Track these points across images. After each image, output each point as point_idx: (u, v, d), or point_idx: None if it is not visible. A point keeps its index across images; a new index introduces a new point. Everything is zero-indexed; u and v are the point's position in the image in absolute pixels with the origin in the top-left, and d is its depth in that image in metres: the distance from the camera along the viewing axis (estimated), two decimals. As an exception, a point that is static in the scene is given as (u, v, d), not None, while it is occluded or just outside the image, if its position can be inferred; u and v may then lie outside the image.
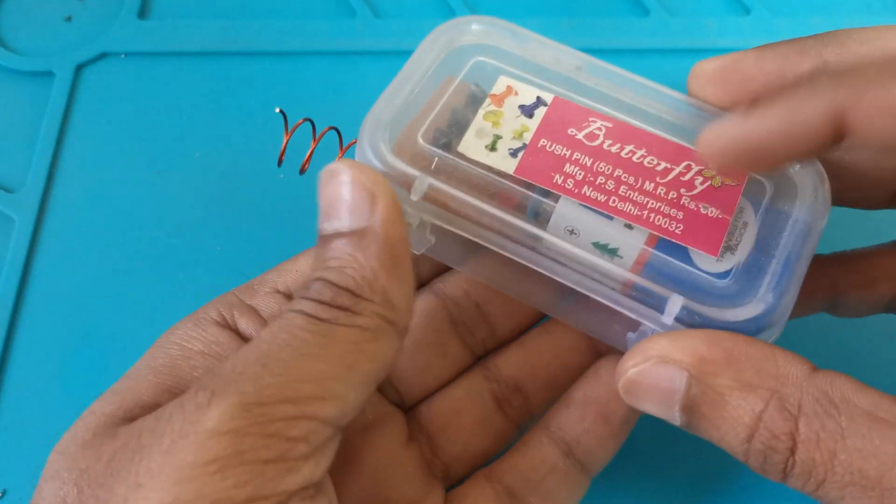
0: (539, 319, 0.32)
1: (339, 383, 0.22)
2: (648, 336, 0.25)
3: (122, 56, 0.43)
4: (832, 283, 0.30)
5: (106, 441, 0.22)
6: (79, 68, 0.42)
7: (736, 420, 0.22)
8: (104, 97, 0.41)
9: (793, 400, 0.22)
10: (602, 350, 0.31)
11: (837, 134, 0.23)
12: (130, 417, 0.23)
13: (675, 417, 0.23)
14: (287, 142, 0.32)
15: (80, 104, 0.41)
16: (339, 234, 0.24)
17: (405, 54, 0.43)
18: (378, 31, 0.44)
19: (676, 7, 0.45)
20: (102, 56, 0.43)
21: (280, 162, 0.33)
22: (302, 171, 0.33)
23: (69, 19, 0.44)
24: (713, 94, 0.29)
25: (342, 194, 0.24)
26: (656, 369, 0.23)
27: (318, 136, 0.32)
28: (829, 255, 0.31)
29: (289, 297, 0.28)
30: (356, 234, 0.24)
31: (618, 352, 0.29)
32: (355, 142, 0.29)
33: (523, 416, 0.31)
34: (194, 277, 0.37)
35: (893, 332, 0.35)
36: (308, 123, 0.32)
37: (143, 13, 0.44)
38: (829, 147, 0.23)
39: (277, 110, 0.33)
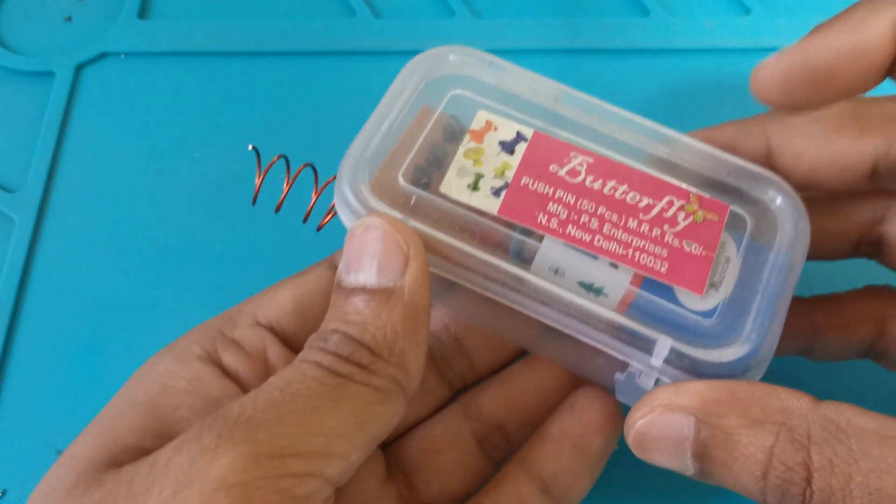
0: (520, 354, 0.31)
1: (346, 441, 0.21)
2: (637, 377, 0.25)
3: (122, 56, 0.43)
4: (811, 324, 0.31)
5: (91, 488, 0.21)
6: (79, 68, 0.42)
7: (749, 458, 0.22)
8: (104, 97, 0.41)
9: (801, 430, 0.21)
10: (581, 383, 0.30)
11: (894, 52, 0.23)
12: (115, 462, 0.22)
13: (687, 466, 0.23)
14: (262, 180, 0.31)
15: (80, 104, 0.41)
16: (363, 290, 0.23)
17: (405, 54, 0.43)
18: (378, 30, 0.44)
19: (676, 7, 0.45)
20: (102, 56, 0.43)
21: (255, 200, 0.32)
22: (277, 210, 0.32)
23: (69, 19, 0.44)
24: None
25: (374, 249, 0.24)
26: (663, 418, 0.23)
27: (293, 174, 0.31)
28: (808, 298, 0.31)
29: (270, 329, 0.28)
30: (383, 293, 0.23)
31: (595, 383, 0.29)
32: (334, 178, 0.28)
33: (504, 454, 0.30)
34: (194, 277, 0.37)
35: (864, 376, 0.35)
36: (283, 160, 0.32)
37: (143, 13, 0.44)
38: (887, 68, 0.24)
39: (251, 147, 0.32)
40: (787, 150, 0.28)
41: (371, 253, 0.24)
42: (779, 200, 0.28)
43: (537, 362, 0.30)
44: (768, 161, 0.29)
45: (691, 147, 0.29)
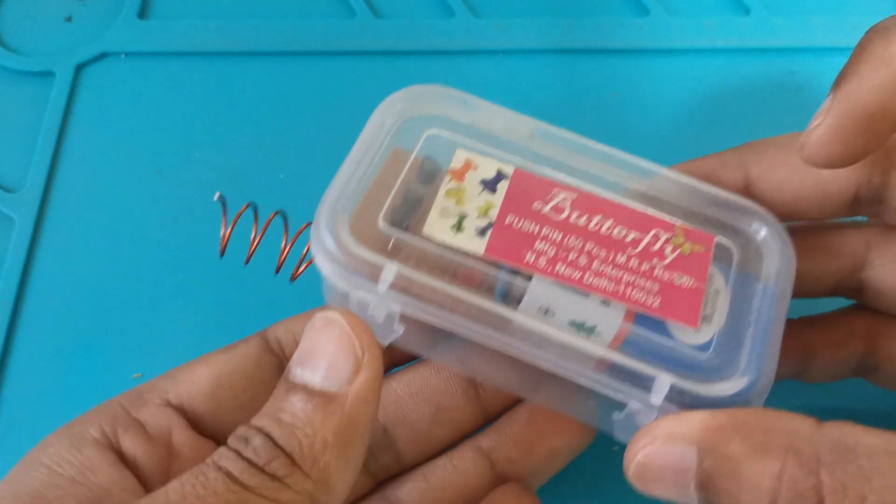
0: (446, 448, 0.30)
1: None
2: (636, 416, 0.25)
3: (122, 56, 0.43)
4: (803, 345, 0.30)
5: None
6: (79, 68, 0.42)
7: (756, 486, 0.21)
8: (104, 97, 0.41)
9: (809, 454, 0.21)
10: (504, 480, 0.29)
11: None
12: None
13: (691, 498, 0.22)
14: (230, 232, 0.30)
15: (80, 104, 0.41)
16: (305, 389, 0.22)
17: (405, 54, 0.44)
18: (378, 30, 0.44)
19: (676, 7, 0.45)
20: (102, 56, 0.43)
21: (222, 252, 0.30)
22: (247, 261, 0.30)
23: (69, 19, 0.44)
24: None
25: (327, 348, 0.22)
26: (665, 448, 0.22)
27: (263, 224, 0.30)
28: (797, 320, 0.31)
29: (181, 410, 0.26)
30: (324, 397, 0.22)
31: (518, 480, 0.29)
32: (308, 225, 0.27)
33: None
34: (194, 278, 0.37)
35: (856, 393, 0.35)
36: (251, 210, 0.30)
37: (143, 13, 0.44)
38: None
39: (216, 197, 0.30)
40: (767, 181, 0.28)
41: (323, 351, 0.22)
42: (763, 231, 0.28)
43: (461, 460, 0.29)
44: (748, 193, 0.29)
45: (672, 180, 0.28)
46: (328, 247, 0.25)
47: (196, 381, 0.27)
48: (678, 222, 0.27)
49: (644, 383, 0.25)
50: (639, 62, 0.43)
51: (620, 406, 0.25)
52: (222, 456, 0.21)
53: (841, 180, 0.27)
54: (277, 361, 0.29)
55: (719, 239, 0.28)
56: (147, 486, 0.25)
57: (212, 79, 0.42)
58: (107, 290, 0.36)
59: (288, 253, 0.30)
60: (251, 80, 0.42)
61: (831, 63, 0.43)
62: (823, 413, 0.22)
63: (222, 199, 0.30)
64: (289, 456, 0.21)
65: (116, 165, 0.39)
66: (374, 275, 0.25)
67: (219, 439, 0.27)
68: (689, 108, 0.42)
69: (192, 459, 0.26)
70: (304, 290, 0.30)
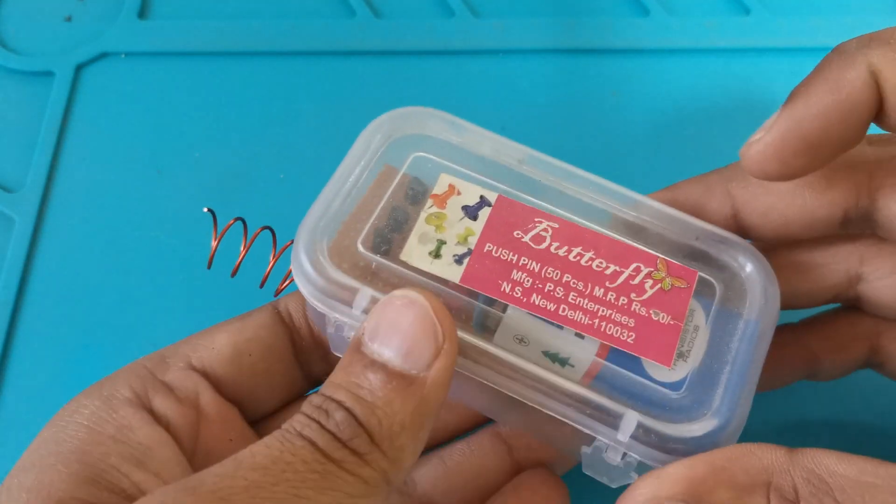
0: (462, 433, 0.30)
1: None
2: (604, 451, 0.25)
3: (122, 56, 0.43)
4: (808, 353, 0.30)
5: None
6: (79, 68, 0.42)
7: None
8: (104, 97, 0.41)
9: (787, 487, 0.21)
10: (523, 466, 0.29)
11: (877, 98, 0.23)
12: None
13: None
14: (217, 244, 0.30)
15: (80, 104, 0.41)
16: (384, 368, 0.22)
17: (405, 54, 0.44)
18: (378, 31, 0.44)
19: (676, 7, 0.45)
20: (102, 56, 0.43)
21: (210, 264, 0.31)
22: (233, 274, 0.31)
23: (69, 19, 0.44)
24: None
25: (408, 328, 0.22)
26: None
27: (250, 238, 0.30)
28: (801, 323, 0.31)
29: (204, 374, 0.27)
30: (404, 379, 0.22)
31: (541, 466, 0.29)
32: (292, 243, 0.27)
33: None
34: (194, 278, 0.37)
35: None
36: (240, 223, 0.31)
37: (142, 13, 0.44)
38: (873, 116, 0.23)
39: (206, 210, 0.31)
40: (753, 208, 0.28)
41: (404, 331, 0.22)
42: (748, 267, 0.28)
43: (479, 444, 0.29)
44: (735, 219, 0.28)
45: (658, 211, 0.28)
46: (306, 270, 0.26)
47: (217, 347, 0.27)
48: (661, 256, 0.27)
49: (613, 420, 0.25)
50: (639, 62, 0.43)
51: (589, 440, 0.25)
52: (304, 425, 0.21)
53: (827, 205, 0.27)
54: (288, 332, 0.29)
55: (703, 273, 0.27)
56: (181, 446, 0.25)
57: (212, 79, 0.42)
58: (106, 290, 0.36)
59: (272, 267, 0.30)
60: (251, 80, 0.42)
61: (831, 63, 0.43)
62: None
63: (212, 212, 0.31)
64: (369, 434, 0.21)
65: (116, 165, 0.39)
66: (349, 298, 0.26)
67: (240, 403, 0.28)
68: (689, 109, 0.42)
69: (219, 422, 0.26)
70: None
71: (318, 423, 0.21)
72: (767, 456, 0.22)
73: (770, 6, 0.45)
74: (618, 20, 0.44)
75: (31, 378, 0.34)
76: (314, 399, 0.22)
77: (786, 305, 0.28)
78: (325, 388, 0.22)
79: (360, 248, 0.27)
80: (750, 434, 0.24)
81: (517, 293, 0.26)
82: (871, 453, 0.21)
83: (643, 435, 0.24)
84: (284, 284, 0.30)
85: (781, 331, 0.31)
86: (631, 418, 0.24)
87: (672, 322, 0.26)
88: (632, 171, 0.40)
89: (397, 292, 0.23)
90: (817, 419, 0.34)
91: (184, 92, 0.42)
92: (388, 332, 0.22)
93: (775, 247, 0.29)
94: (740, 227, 0.28)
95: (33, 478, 0.22)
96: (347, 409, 0.21)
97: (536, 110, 0.42)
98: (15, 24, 0.44)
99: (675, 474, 0.22)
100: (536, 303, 0.26)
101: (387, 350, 0.22)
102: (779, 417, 0.34)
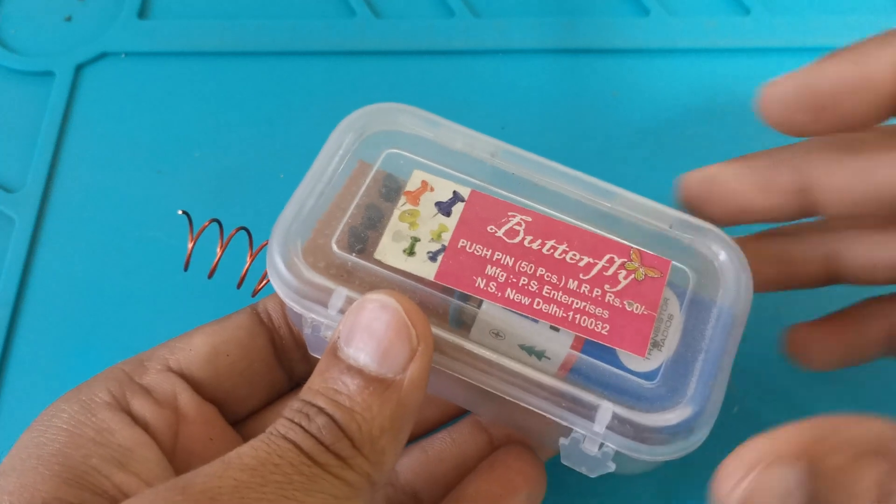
0: (443, 424, 0.30)
1: None
2: (581, 442, 0.25)
3: (122, 56, 0.43)
4: (890, 323, 0.29)
5: None
6: (79, 68, 0.42)
7: (863, 495, 0.20)
8: (104, 97, 0.41)
9: None
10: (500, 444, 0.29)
11: None
12: None
13: None
14: (193, 247, 0.31)
15: (80, 104, 0.41)
16: (361, 373, 0.22)
17: (405, 54, 0.44)
18: (378, 30, 0.44)
19: (676, 7, 0.45)
20: (102, 56, 0.43)
21: (186, 267, 0.31)
22: (210, 275, 0.31)
23: (69, 19, 0.44)
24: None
25: (382, 332, 0.22)
26: (765, 477, 0.21)
27: (226, 239, 0.31)
28: (887, 296, 0.30)
29: (182, 376, 0.27)
30: (381, 383, 0.22)
31: (515, 444, 0.29)
32: (266, 244, 0.27)
33: None
34: (194, 278, 0.36)
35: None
36: (215, 224, 0.31)
37: (143, 13, 0.44)
38: (891, 109, 0.23)
39: (180, 212, 0.31)
40: (828, 184, 0.27)
41: (378, 335, 0.22)
42: (722, 255, 0.28)
43: (460, 433, 0.29)
44: (803, 196, 0.28)
45: (632, 201, 0.29)
46: (280, 271, 0.26)
47: (195, 349, 0.27)
48: (635, 246, 0.27)
49: (588, 411, 0.25)
50: (639, 62, 0.43)
51: (567, 431, 0.26)
52: (288, 429, 0.21)
53: None
54: (268, 332, 0.29)
55: (677, 262, 0.28)
56: (161, 447, 0.25)
57: (212, 79, 0.42)
58: (106, 290, 0.36)
59: (249, 267, 0.31)
60: (251, 79, 0.42)
61: (831, 63, 0.43)
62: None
63: (187, 215, 0.31)
64: (350, 439, 0.21)
65: (116, 165, 0.39)
66: (325, 299, 0.26)
67: (220, 404, 0.28)
68: (689, 109, 0.42)
69: (199, 422, 0.27)
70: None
71: (301, 426, 0.21)
72: (878, 425, 0.21)
73: (770, 6, 0.45)
74: (618, 20, 0.44)
75: (31, 377, 0.34)
76: (295, 403, 0.22)
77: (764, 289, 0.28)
78: (305, 393, 0.23)
79: (335, 247, 0.27)
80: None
81: (491, 288, 0.26)
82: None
83: (619, 425, 0.25)
84: (261, 285, 0.30)
85: (866, 304, 0.30)
86: (606, 409, 0.25)
87: (646, 312, 0.26)
88: (631, 171, 0.40)
89: (370, 295, 0.23)
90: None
91: (184, 92, 0.42)
92: (363, 337, 0.23)
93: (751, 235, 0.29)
94: (808, 203, 0.28)
95: (15, 481, 0.22)
96: (328, 415, 0.22)
97: (536, 110, 0.42)
98: (15, 24, 0.44)
99: (789, 436, 0.21)
100: (511, 297, 0.26)
101: (362, 354, 0.22)
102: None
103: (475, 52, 0.43)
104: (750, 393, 0.34)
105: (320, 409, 0.22)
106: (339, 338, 0.23)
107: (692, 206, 0.29)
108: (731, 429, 0.33)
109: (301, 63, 0.43)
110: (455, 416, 0.31)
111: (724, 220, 0.29)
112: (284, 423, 0.22)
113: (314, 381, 0.23)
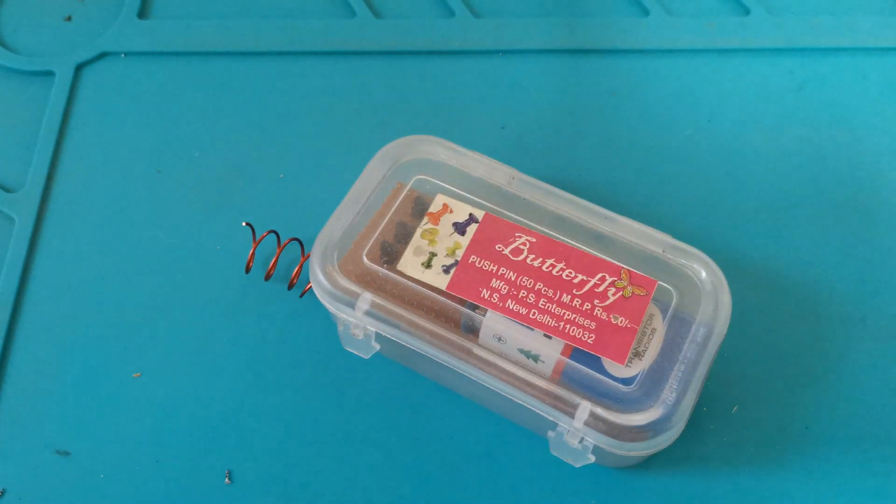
0: None
1: None
2: (564, 435, 0.29)
3: (122, 56, 0.43)
4: None
5: None
6: (79, 68, 0.42)
7: None
8: (104, 97, 0.41)
9: None
10: None
11: None
12: None
13: None
14: (254, 251, 0.36)
15: (79, 104, 0.41)
16: None
17: (405, 54, 0.44)
18: (378, 31, 0.44)
19: (676, 7, 0.45)
20: (102, 56, 0.43)
21: (248, 269, 0.36)
22: (267, 277, 0.36)
23: (69, 19, 0.44)
24: None
25: None
26: None
27: (281, 245, 0.36)
28: None
29: None
30: None
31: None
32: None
33: None
34: (193, 278, 0.37)
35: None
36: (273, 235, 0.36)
37: (142, 13, 0.44)
38: None
39: (244, 224, 0.36)
40: None
41: None
42: (703, 275, 0.31)
43: None
44: None
45: (629, 227, 0.32)
46: (319, 279, 0.31)
47: None
48: (625, 266, 0.31)
49: (570, 409, 0.29)
50: (638, 63, 0.43)
51: (553, 425, 0.30)
52: None
53: None
54: None
55: (663, 282, 0.31)
56: None
57: (212, 78, 0.42)
58: (106, 290, 0.36)
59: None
60: (251, 79, 0.42)
61: (831, 63, 0.43)
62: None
63: (250, 225, 0.36)
64: None
65: (116, 165, 0.39)
66: (353, 302, 0.31)
67: None
68: (689, 109, 0.42)
69: None
70: (311, 301, 0.31)
71: None
72: None
73: (770, 6, 0.45)
74: (618, 20, 0.44)
75: (31, 376, 0.34)
76: None
77: None
78: None
79: (366, 259, 0.31)
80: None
81: (494, 299, 0.30)
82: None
83: (595, 422, 0.29)
84: (307, 288, 0.35)
85: None
86: (585, 408, 0.29)
87: (629, 325, 0.30)
88: (630, 172, 0.40)
89: None
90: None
91: (184, 91, 0.42)
92: None
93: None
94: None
95: None
96: None
97: (536, 110, 0.42)
98: (15, 23, 0.44)
99: None
100: (511, 307, 0.30)
101: None
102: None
103: (475, 53, 0.43)
104: (748, 394, 0.34)
105: None
106: None
107: None
108: (733, 428, 0.34)
109: (301, 63, 0.43)
110: None
111: None
112: None
113: None
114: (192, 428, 0.33)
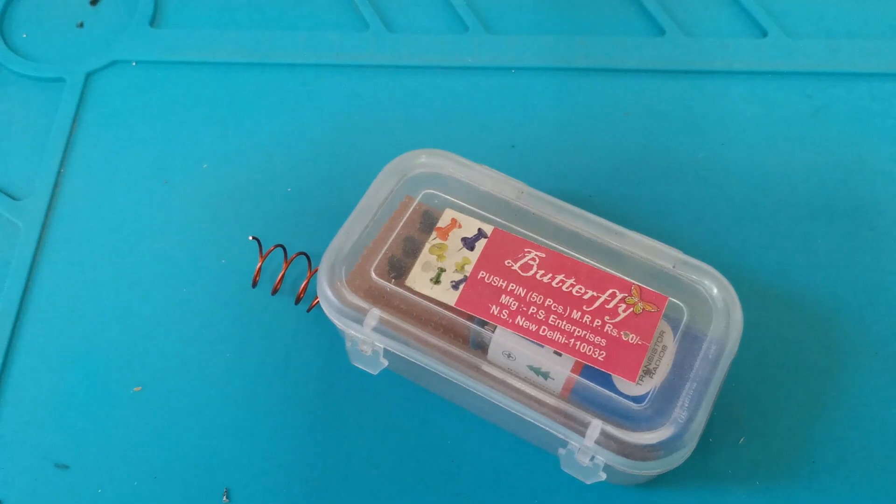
0: None
1: None
2: (575, 453, 0.29)
3: (133, 64, 0.43)
4: None
5: None
6: (89, 75, 0.42)
7: None
8: (113, 105, 0.41)
9: None
10: None
11: None
12: None
13: None
14: (261, 265, 0.35)
15: (89, 111, 0.41)
16: None
17: (417, 69, 0.43)
18: (390, 44, 0.43)
19: (692, 27, 0.45)
20: (113, 63, 0.42)
21: (255, 283, 0.35)
22: (274, 291, 0.35)
23: (81, 26, 0.44)
24: None
25: None
26: None
27: (288, 259, 0.35)
28: None
29: None
30: None
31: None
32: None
33: None
34: (198, 291, 0.36)
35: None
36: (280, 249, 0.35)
37: (154, 21, 0.44)
38: None
39: (251, 238, 0.36)
40: None
41: None
42: (714, 292, 0.31)
43: None
44: None
45: (640, 242, 0.32)
46: (326, 294, 0.30)
47: None
48: (636, 283, 0.30)
49: (580, 427, 0.28)
50: (652, 83, 0.43)
51: (564, 443, 0.29)
52: None
53: None
54: None
55: (674, 299, 0.31)
56: None
57: (222, 89, 0.42)
58: (110, 301, 0.36)
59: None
60: (261, 91, 0.42)
61: (848, 87, 0.43)
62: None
63: (257, 240, 0.36)
64: None
65: (123, 174, 0.39)
66: (361, 318, 0.30)
67: None
68: (702, 132, 0.41)
69: None
70: (318, 315, 0.31)
71: None
72: None
73: (788, 29, 0.44)
74: (633, 39, 0.44)
75: (32, 386, 0.34)
76: None
77: None
78: None
79: (374, 274, 0.31)
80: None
81: (504, 315, 0.30)
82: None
83: (606, 441, 0.28)
84: (314, 303, 0.35)
85: None
86: (595, 426, 0.28)
87: (640, 342, 0.29)
88: (642, 190, 0.39)
89: None
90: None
91: (194, 101, 0.41)
92: None
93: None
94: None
95: None
96: None
97: (548, 128, 0.41)
98: (27, 30, 0.44)
99: None
100: (520, 324, 0.29)
101: None
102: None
103: (487, 69, 0.43)
104: (753, 422, 0.34)
105: None
106: None
107: None
108: (743, 447, 0.33)
109: (312, 75, 0.43)
110: None
111: None
112: None
113: None
114: (192, 444, 0.33)
